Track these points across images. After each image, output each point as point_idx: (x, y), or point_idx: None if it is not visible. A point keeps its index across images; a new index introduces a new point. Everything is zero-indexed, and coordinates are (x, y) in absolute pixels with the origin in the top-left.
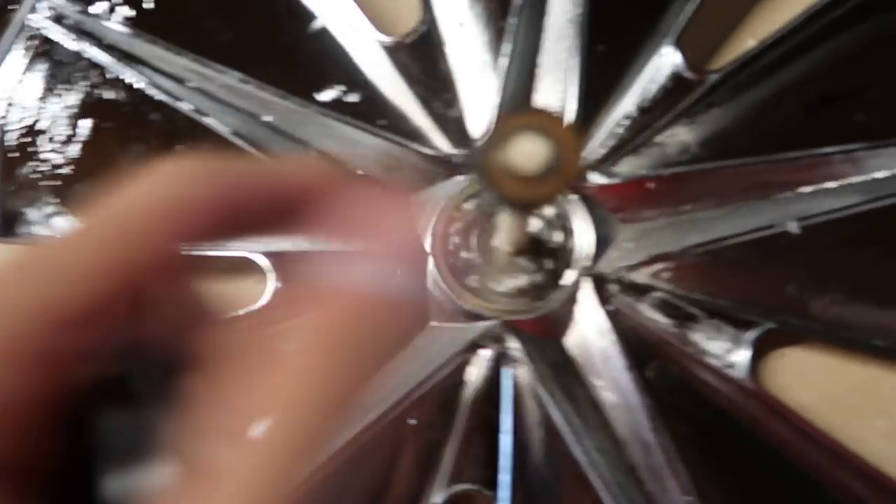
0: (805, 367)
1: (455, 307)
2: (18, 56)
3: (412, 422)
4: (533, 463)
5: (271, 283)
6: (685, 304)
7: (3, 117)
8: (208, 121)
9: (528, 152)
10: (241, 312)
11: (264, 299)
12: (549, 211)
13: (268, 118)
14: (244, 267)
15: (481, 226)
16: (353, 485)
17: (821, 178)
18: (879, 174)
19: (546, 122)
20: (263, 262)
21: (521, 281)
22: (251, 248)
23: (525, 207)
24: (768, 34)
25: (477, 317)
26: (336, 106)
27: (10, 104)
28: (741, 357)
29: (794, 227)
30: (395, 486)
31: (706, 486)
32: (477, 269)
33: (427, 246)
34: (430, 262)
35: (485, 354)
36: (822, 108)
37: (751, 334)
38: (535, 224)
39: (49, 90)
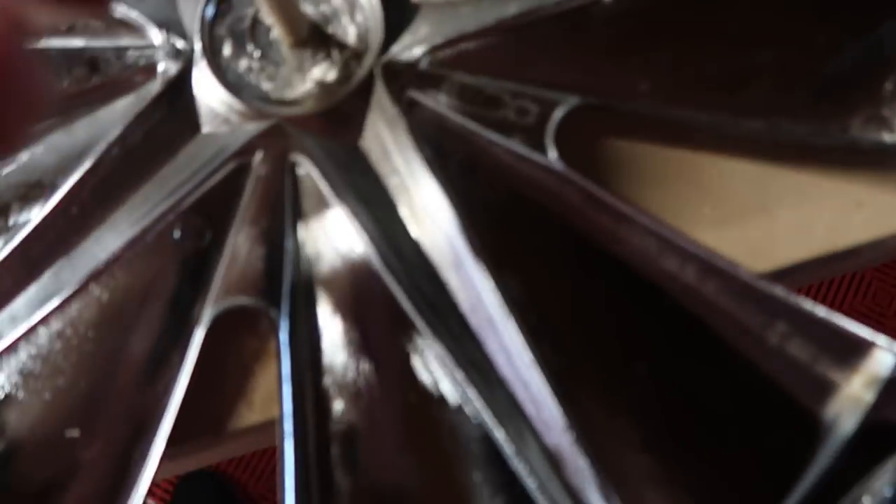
0: (622, 152)
1: (231, 111)
2: None
3: (178, 235)
4: (319, 273)
5: None
6: (488, 87)
7: None
8: None
9: None
10: None
11: None
12: None
13: None
14: None
15: (254, 20)
16: (116, 308)
17: None
18: None
19: None
20: None
21: (307, 78)
22: None
23: None
24: None
25: (254, 117)
26: None
27: None
28: (550, 140)
29: None
30: (164, 306)
31: (518, 285)
32: (256, 70)
33: (197, 47)
34: (201, 62)
35: (264, 156)
36: None
37: (559, 112)
38: (314, 10)
39: None
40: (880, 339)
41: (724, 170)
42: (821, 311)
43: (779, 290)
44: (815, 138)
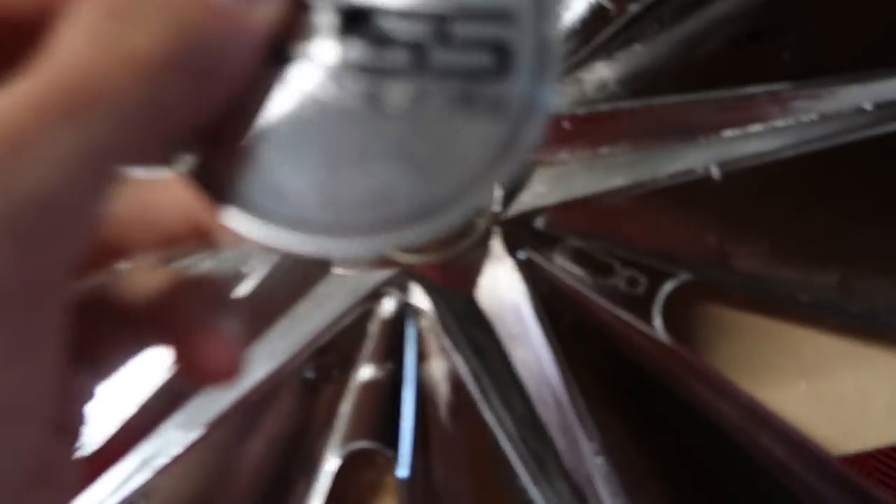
0: (725, 324)
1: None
2: None
3: (309, 375)
4: (436, 420)
5: None
6: (600, 253)
7: None
8: None
9: None
10: None
11: None
12: None
13: None
14: None
15: None
16: (252, 438)
17: (745, 121)
18: (805, 117)
19: None
20: None
21: None
22: None
23: None
24: None
25: (380, 265)
26: None
27: None
28: (657, 311)
29: (715, 172)
30: (294, 443)
31: (619, 446)
32: None
33: None
34: None
35: (388, 304)
36: (748, 45)
37: (668, 286)
38: None
39: None
40: None
41: (822, 347)
42: None
43: (867, 483)
44: None
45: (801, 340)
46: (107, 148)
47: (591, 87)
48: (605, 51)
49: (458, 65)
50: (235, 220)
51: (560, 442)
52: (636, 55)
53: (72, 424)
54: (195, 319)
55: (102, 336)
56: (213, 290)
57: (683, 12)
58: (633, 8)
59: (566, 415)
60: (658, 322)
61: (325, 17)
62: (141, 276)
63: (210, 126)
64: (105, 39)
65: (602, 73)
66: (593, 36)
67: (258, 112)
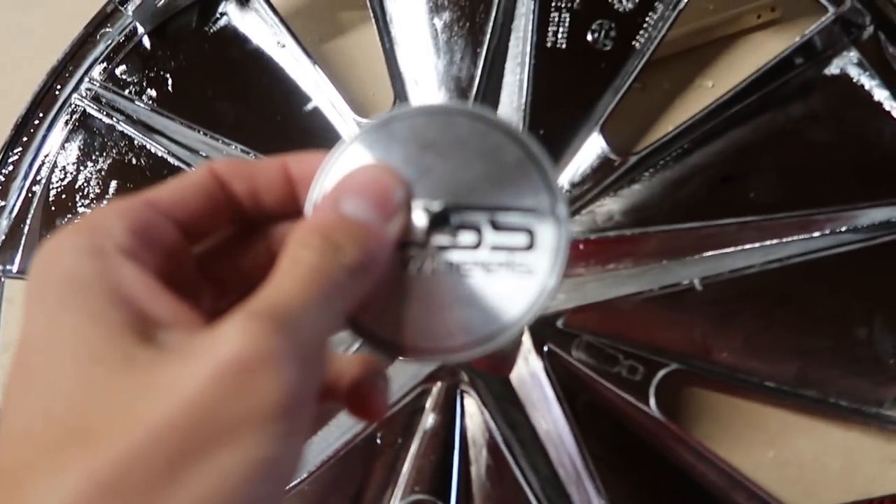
0: (707, 403)
1: None
2: (60, 128)
3: (379, 440)
4: (478, 479)
5: None
6: (607, 347)
7: (48, 178)
8: None
9: None
10: None
11: None
12: None
13: None
14: None
15: None
16: (335, 490)
17: (721, 244)
18: (768, 241)
19: None
20: None
21: None
22: None
23: None
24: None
25: None
26: None
27: (52, 167)
28: (651, 392)
29: (697, 283)
30: (365, 494)
31: (622, 501)
32: None
33: None
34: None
35: (441, 386)
36: (723, 186)
37: (661, 373)
38: None
39: (85, 156)
40: None
41: (786, 423)
42: None
43: None
44: (855, 410)
45: (769, 417)
46: (340, 312)
47: (601, 218)
48: (611, 190)
49: (505, 244)
50: (374, 347)
51: (575, 499)
52: (636, 193)
53: None
54: (372, 383)
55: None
56: (376, 364)
57: (671, 161)
58: (633, 159)
59: (581, 476)
60: (653, 402)
61: (420, 218)
62: (343, 361)
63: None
64: (322, 267)
65: (609, 206)
66: (603, 180)
67: (385, 281)
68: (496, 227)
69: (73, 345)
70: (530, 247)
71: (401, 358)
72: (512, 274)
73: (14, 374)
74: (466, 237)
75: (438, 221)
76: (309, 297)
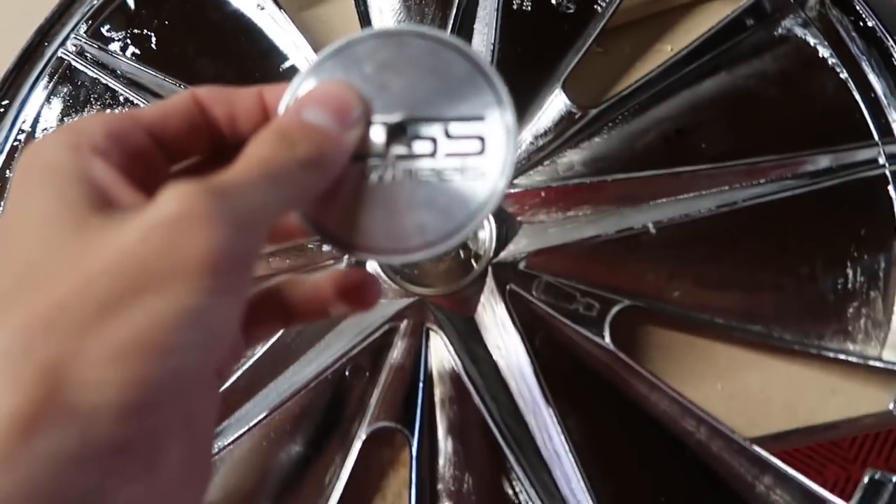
0: (660, 340)
1: (388, 288)
2: (46, 81)
3: (348, 374)
4: (441, 409)
5: None
6: (565, 286)
7: (32, 127)
8: None
9: None
10: None
11: None
12: None
13: None
14: None
15: None
16: (304, 420)
17: (674, 192)
18: (718, 188)
19: None
20: None
21: (440, 267)
22: None
23: None
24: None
25: (406, 295)
26: None
27: (37, 119)
28: (606, 327)
29: (651, 227)
30: (335, 423)
31: (577, 429)
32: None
33: None
34: None
35: (408, 323)
36: (676, 138)
37: (615, 309)
38: None
39: (70, 108)
40: (835, 498)
41: (733, 357)
42: (794, 472)
43: (765, 453)
44: (798, 343)
45: (718, 352)
46: (288, 199)
47: (562, 168)
48: (572, 142)
49: (458, 150)
50: (338, 248)
51: (533, 426)
52: (595, 145)
53: (225, 376)
54: (360, 274)
55: (264, 319)
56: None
57: (629, 114)
58: (592, 112)
59: (538, 405)
60: (608, 336)
61: (378, 131)
62: (311, 279)
63: (320, 197)
64: (273, 158)
65: (571, 157)
66: (564, 132)
67: (348, 189)
68: (449, 135)
69: (37, 214)
70: (481, 152)
71: (358, 255)
72: (465, 178)
73: None
74: (422, 146)
75: (396, 133)
76: (252, 178)
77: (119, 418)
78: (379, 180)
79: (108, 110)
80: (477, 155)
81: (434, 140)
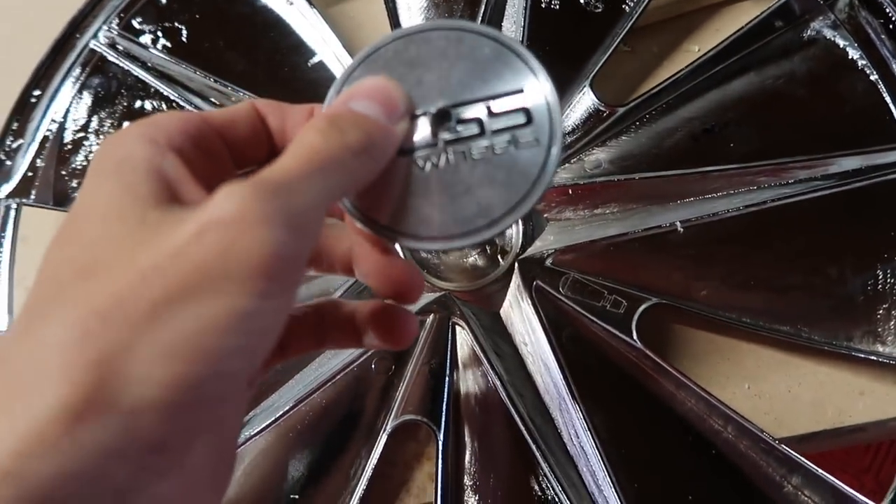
0: (687, 339)
1: None
2: (77, 73)
3: (374, 367)
4: (466, 404)
5: None
6: (592, 283)
7: (63, 118)
8: None
9: None
10: None
11: None
12: None
13: None
14: None
15: None
16: (330, 412)
17: (702, 191)
18: (745, 188)
19: None
20: None
21: (467, 263)
22: None
23: None
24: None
25: (432, 290)
26: None
27: (68, 109)
28: (633, 325)
29: (679, 226)
30: (361, 416)
31: (603, 426)
32: (433, 255)
33: None
34: (397, 247)
35: (434, 317)
36: (704, 137)
37: (643, 307)
38: None
39: (100, 99)
40: (864, 498)
41: (760, 357)
42: (824, 473)
43: (794, 453)
44: (827, 343)
45: (744, 353)
46: (339, 187)
47: (590, 166)
48: (600, 140)
49: (505, 125)
50: (396, 240)
51: (559, 422)
52: (623, 143)
53: (254, 385)
54: (399, 309)
55: (299, 335)
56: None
57: (657, 113)
58: (620, 110)
59: (565, 402)
60: (635, 334)
61: (423, 123)
62: (351, 304)
63: (371, 191)
64: (324, 145)
65: (598, 155)
66: (592, 130)
67: (399, 182)
68: (493, 113)
69: (104, 206)
70: (528, 122)
71: (418, 245)
72: (519, 149)
73: (57, 231)
74: (469, 128)
75: (440, 121)
76: (304, 170)
77: (161, 416)
78: (433, 168)
79: (139, 102)
80: (525, 126)
81: (480, 120)
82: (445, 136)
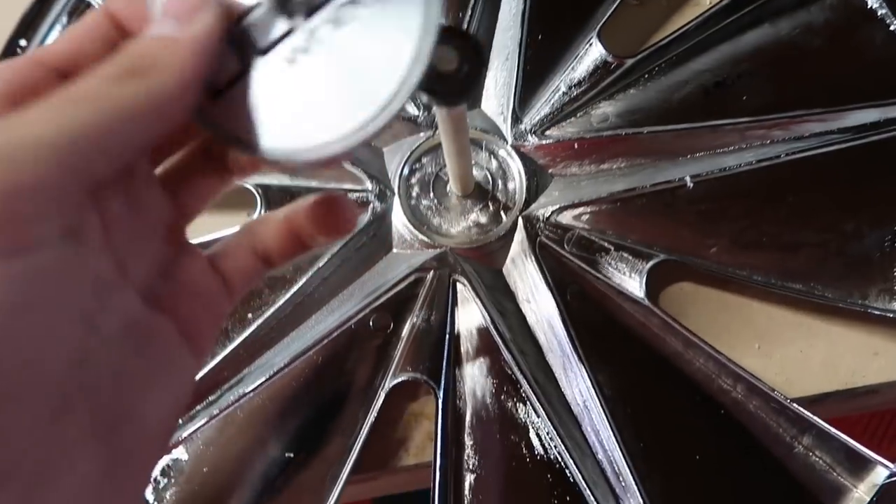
0: (696, 297)
1: (414, 239)
2: (64, 20)
3: (372, 324)
4: (467, 361)
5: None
6: (598, 239)
7: None
8: None
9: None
10: None
11: None
12: (493, 164)
13: None
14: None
15: (437, 175)
16: (327, 370)
17: (712, 145)
18: (757, 142)
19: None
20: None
21: (469, 220)
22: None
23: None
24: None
25: (432, 246)
26: None
27: None
28: (641, 282)
29: (689, 181)
30: (358, 373)
31: (608, 384)
32: (434, 211)
33: (395, 192)
34: (396, 202)
35: (435, 274)
36: (716, 90)
37: (650, 263)
38: (479, 174)
39: None
40: (879, 458)
41: (771, 315)
42: (837, 432)
43: (806, 412)
44: (841, 301)
45: (755, 311)
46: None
47: (597, 120)
48: (607, 93)
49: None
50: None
51: (562, 380)
52: (631, 97)
53: (166, 301)
54: (333, 197)
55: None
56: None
57: (666, 66)
58: (628, 62)
59: (569, 359)
60: (642, 291)
61: (261, 10)
62: (282, 214)
63: (206, 101)
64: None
65: (605, 109)
66: (599, 82)
67: (241, 84)
68: None
69: None
70: None
71: (290, 160)
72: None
73: None
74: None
75: (284, 6)
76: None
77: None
78: (289, 63)
79: None
80: None
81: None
82: (300, 19)
